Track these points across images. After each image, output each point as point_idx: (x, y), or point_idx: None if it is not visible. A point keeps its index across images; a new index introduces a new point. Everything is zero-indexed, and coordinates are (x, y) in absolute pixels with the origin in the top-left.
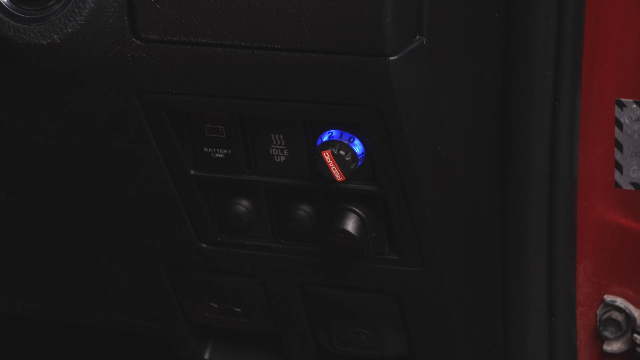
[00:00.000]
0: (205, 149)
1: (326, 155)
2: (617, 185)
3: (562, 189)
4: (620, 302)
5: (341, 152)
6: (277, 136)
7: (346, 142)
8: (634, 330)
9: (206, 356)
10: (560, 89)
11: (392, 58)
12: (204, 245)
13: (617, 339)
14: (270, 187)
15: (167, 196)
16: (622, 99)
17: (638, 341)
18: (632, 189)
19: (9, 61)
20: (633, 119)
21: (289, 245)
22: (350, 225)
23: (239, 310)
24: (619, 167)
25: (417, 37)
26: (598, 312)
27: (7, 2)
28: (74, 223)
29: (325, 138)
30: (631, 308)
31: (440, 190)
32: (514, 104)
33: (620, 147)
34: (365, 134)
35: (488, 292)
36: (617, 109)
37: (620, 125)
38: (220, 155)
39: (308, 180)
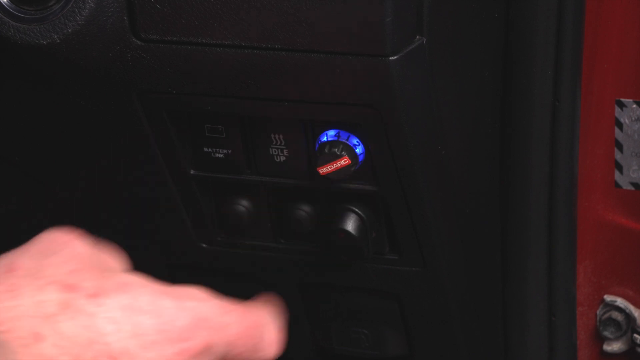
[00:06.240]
0: (205, 149)
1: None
2: (617, 185)
3: (562, 189)
4: (620, 302)
5: (341, 152)
6: (277, 136)
7: (346, 142)
8: (634, 330)
9: None
10: (560, 89)
11: (392, 58)
12: (204, 245)
13: (617, 339)
14: (270, 187)
15: (167, 196)
16: (622, 99)
17: (638, 341)
18: (632, 189)
19: (9, 61)
20: (633, 119)
21: (289, 245)
22: (350, 225)
23: None
24: (619, 167)
25: (417, 37)
26: (598, 312)
27: (7, 2)
28: (74, 223)
29: (325, 138)
30: (631, 308)
31: (440, 190)
32: (514, 104)
33: (620, 147)
34: (365, 134)
35: (488, 292)
36: (617, 109)
37: (620, 125)
38: (220, 155)
39: (308, 180)
